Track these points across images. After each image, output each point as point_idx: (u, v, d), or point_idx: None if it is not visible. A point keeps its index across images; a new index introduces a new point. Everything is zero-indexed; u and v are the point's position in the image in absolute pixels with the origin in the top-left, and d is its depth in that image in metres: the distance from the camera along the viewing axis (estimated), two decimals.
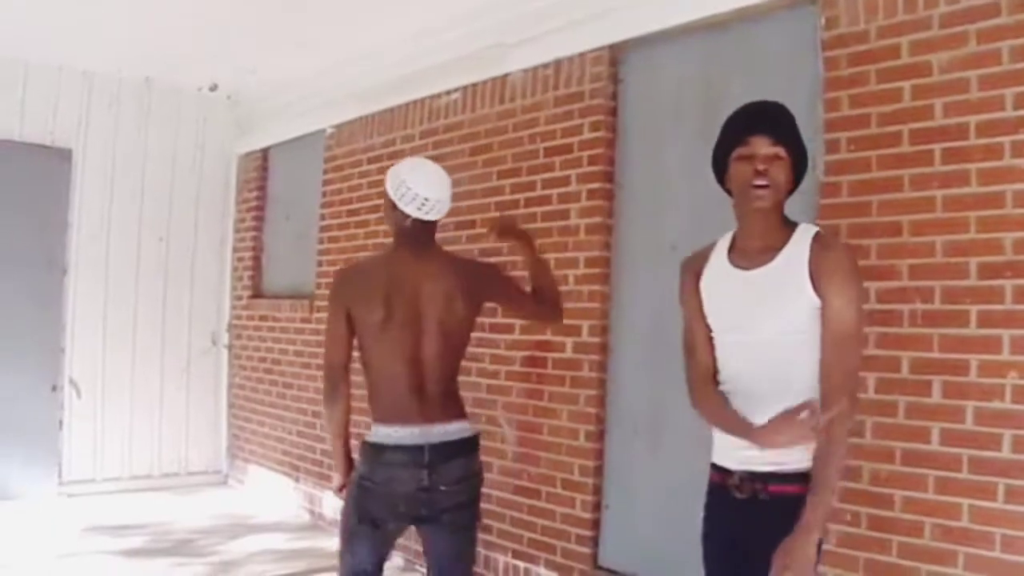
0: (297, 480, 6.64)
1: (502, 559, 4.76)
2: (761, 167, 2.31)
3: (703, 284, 2.53)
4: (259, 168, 7.56)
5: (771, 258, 2.36)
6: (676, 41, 4.19)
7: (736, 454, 2.40)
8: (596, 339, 4.37)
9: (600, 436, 4.37)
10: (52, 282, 6.82)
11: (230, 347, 7.74)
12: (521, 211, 4.74)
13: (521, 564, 4.66)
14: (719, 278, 2.49)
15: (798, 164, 2.40)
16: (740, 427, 2.37)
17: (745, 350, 2.42)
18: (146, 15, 5.50)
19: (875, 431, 3.21)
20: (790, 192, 2.42)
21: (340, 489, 3.28)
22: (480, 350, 4.95)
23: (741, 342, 2.42)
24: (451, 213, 5.11)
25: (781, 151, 2.34)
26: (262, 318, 7.28)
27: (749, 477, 2.38)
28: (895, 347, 3.18)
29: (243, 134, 7.69)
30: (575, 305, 4.43)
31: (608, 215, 4.40)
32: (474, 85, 5.19)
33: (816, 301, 2.28)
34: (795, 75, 3.64)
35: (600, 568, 4.30)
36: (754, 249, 2.42)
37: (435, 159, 5.33)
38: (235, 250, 7.77)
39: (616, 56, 4.43)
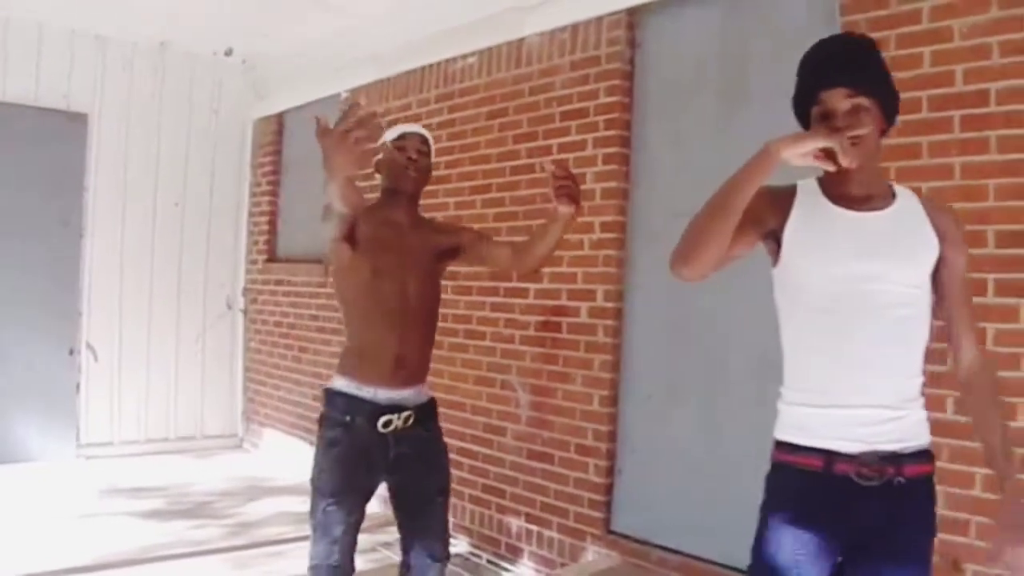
0: (312, 444, 6.64)
1: (515, 522, 4.79)
2: (842, 124, 2.01)
3: (794, 216, 2.10)
4: (275, 132, 7.55)
5: (884, 205, 2.08)
6: (694, 4, 4.15)
7: (854, 431, 2.00)
8: (611, 304, 4.37)
9: (614, 401, 4.37)
10: (69, 246, 6.85)
11: (246, 311, 7.77)
12: (536, 175, 4.74)
13: (534, 528, 4.69)
14: (819, 215, 2.10)
15: (887, 104, 2.08)
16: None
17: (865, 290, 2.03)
18: None
19: None
20: (883, 133, 2.12)
21: None
22: (495, 314, 4.96)
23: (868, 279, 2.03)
24: (466, 177, 5.18)
25: (863, 100, 2.02)
26: (277, 282, 7.30)
27: (879, 459, 1.99)
28: None
29: (259, 99, 7.67)
30: (590, 270, 4.43)
31: (624, 180, 4.38)
32: (490, 49, 5.16)
33: (936, 258, 2.06)
34: (814, 39, 3.60)
35: (612, 533, 4.32)
36: (854, 196, 2.08)
37: (451, 123, 5.37)
38: (251, 215, 7.78)
39: (634, 20, 4.40)
